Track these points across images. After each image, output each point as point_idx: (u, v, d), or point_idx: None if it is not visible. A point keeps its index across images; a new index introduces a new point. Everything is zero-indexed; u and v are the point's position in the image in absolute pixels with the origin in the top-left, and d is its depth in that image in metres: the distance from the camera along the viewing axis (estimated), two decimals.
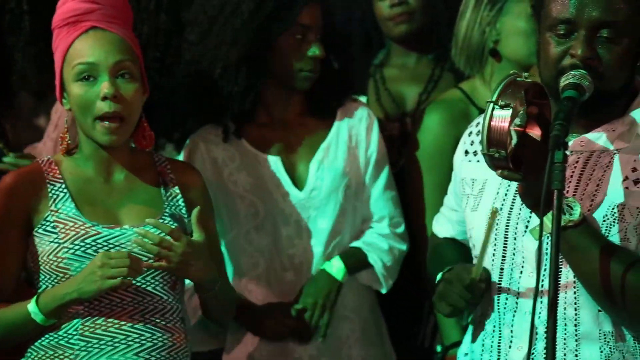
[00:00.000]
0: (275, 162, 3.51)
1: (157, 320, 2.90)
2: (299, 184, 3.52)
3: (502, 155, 2.52)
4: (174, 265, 2.86)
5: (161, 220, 2.91)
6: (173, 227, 2.89)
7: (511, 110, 2.50)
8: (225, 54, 3.44)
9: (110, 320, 2.87)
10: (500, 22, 3.60)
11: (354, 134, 3.57)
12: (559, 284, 2.63)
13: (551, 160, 2.42)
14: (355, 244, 3.57)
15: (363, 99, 3.93)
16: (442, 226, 3.07)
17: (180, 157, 3.53)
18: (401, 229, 3.62)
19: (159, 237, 2.84)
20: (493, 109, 2.51)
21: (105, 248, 2.85)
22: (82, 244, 2.86)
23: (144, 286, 2.90)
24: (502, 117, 2.51)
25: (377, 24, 3.99)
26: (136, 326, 2.87)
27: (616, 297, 2.58)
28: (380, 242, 3.58)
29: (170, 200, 2.98)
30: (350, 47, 3.67)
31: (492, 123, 2.51)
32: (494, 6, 3.60)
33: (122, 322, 2.87)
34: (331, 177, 3.52)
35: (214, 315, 3.10)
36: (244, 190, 3.50)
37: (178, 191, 2.99)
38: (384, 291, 3.60)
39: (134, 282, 2.85)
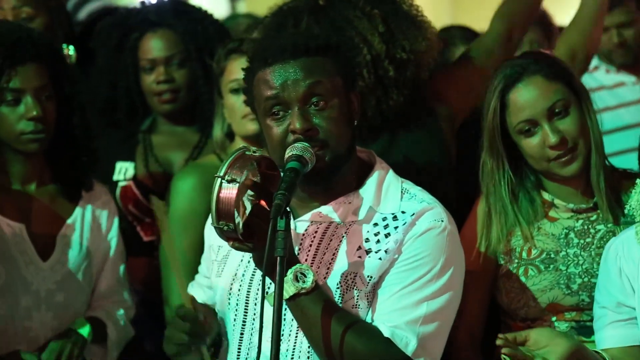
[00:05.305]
0: (20, 230, 3.40)
1: None
2: (43, 255, 3.42)
3: (231, 228, 2.59)
4: None
5: None
6: None
7: (238, 184, 2.57)
8: None
9: None
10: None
11: (97, 216, 3.54)
12: (294, 349, 2.76)
13: (273, 228, 2.53)
14: (95, 313, 3.52)
15: (131, 165, 3.99)
16: (195, 291, 3.13)
17: None
18: (131, 314, 3.63)
19: None
20: (221, 183, 2.59)
21: None
22: None
23: None
24: (229, 191, 2.58)
25: (142, 93, 4.06)
26: None
27: None
28: (117, 317, 3.55)
29: None
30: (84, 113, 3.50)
31: (220, 197, 2.58)
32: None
33: None
34: (75, 254, 3.47)
35: None
36: None
37: None
38: None
39: None
